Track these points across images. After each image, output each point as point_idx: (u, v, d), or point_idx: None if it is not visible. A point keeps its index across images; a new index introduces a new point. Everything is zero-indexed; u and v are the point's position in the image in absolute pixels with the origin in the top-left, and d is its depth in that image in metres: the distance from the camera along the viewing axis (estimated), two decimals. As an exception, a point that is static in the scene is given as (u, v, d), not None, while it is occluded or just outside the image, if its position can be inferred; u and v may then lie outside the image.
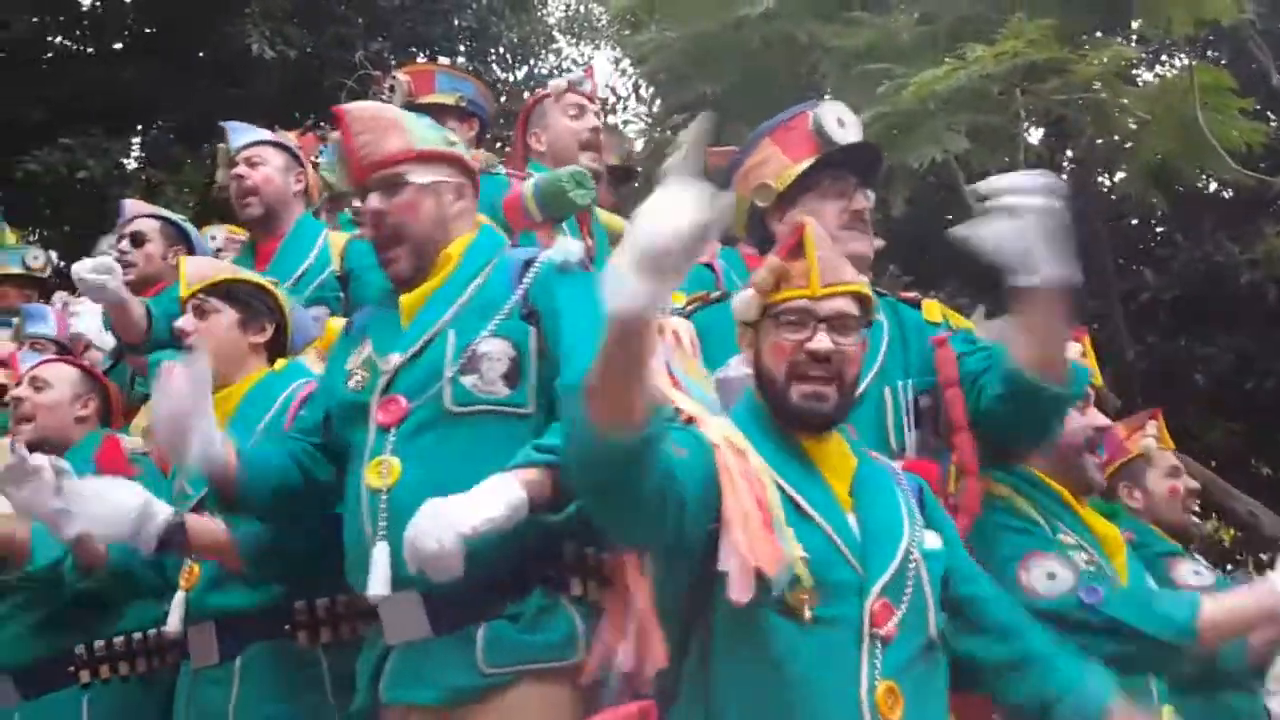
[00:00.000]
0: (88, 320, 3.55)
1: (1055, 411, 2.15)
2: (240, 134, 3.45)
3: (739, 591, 1.60)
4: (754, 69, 4.11)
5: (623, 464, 1.52)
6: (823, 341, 1.80)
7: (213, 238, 4.43)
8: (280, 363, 2.64)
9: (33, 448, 2.85)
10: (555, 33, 10.98)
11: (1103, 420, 2.44)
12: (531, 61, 10.91)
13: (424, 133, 2.22)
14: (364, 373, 2.11)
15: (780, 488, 1.74)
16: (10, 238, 6.28)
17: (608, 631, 1.91)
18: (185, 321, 2.59)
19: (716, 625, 1.71)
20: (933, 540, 1.84)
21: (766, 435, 1.83)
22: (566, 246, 2.14)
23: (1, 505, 2.46)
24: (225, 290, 2.60)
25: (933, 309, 2.37)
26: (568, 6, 11.21)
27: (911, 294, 2.45)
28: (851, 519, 1.78)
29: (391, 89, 3.65)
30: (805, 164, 2.30)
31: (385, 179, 2.13)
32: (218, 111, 9.23)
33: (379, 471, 1.99)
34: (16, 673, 2.77)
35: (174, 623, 2.38)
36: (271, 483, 2.13)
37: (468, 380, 2.00)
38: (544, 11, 11.08)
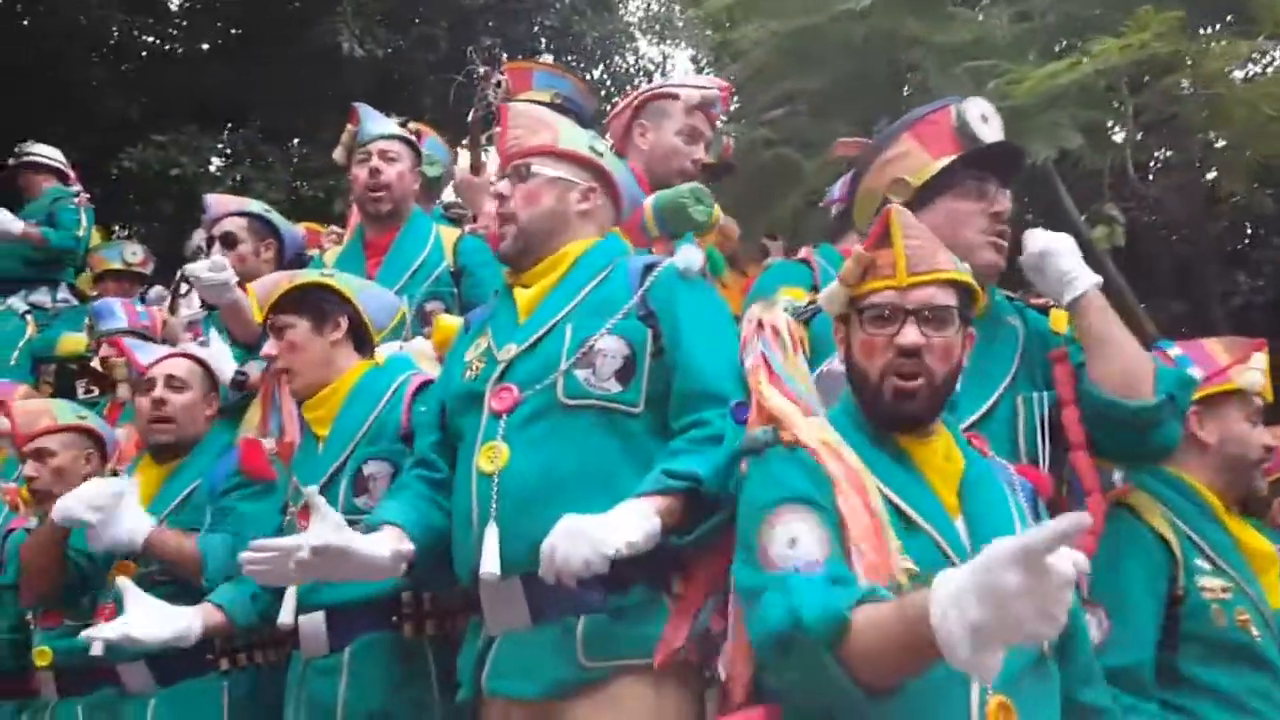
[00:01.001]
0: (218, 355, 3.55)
1: (1147, 425, 2.05)
2: (373, 123, 3.45)
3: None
4: (852, 65, 4.03)
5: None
6: (910, 335, 1.70)
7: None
8: (380, 357, 2.66)
9: (169, 449, 2.96)
10: (635, 31, 10.96)
11: (1271, 439, 2.36)
12: (611, 60, 10.94)
13: (571, 134, 2.29)
14: (480, 363, 2.15)
15: (883, 493, 1.67)
16: (96, 236, 6.44)
17: (672, 625, 1.91)
18: (268, 346, 2.65)
19: None
20: (1081, 561, 1.74)
21: (865, 436, 1.75)
22: (688, 254, 2.13)
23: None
24: (290, 302, 2.61)
25: (1059, 318, 2.26)
26: (648, 6, 11.18)
27: (1041, 300, 2.35)
28: (959, 525, 1.69)
29: (499, 85, 3.65)
30: (946, 161, 2.21)
31: (517, 167, 2.23)
32: (305, 110, 9.51)
33: (489, 456, 2.02)
34: (153, 660, 2.77)
35: (286, 614, 2.39)
36: (437, 543, 2.13)
37: (581, 374, 2.02)
38: (625, 11, 11.08)
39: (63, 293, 6.09)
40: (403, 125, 3.67)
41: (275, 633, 2.72)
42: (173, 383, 2.97)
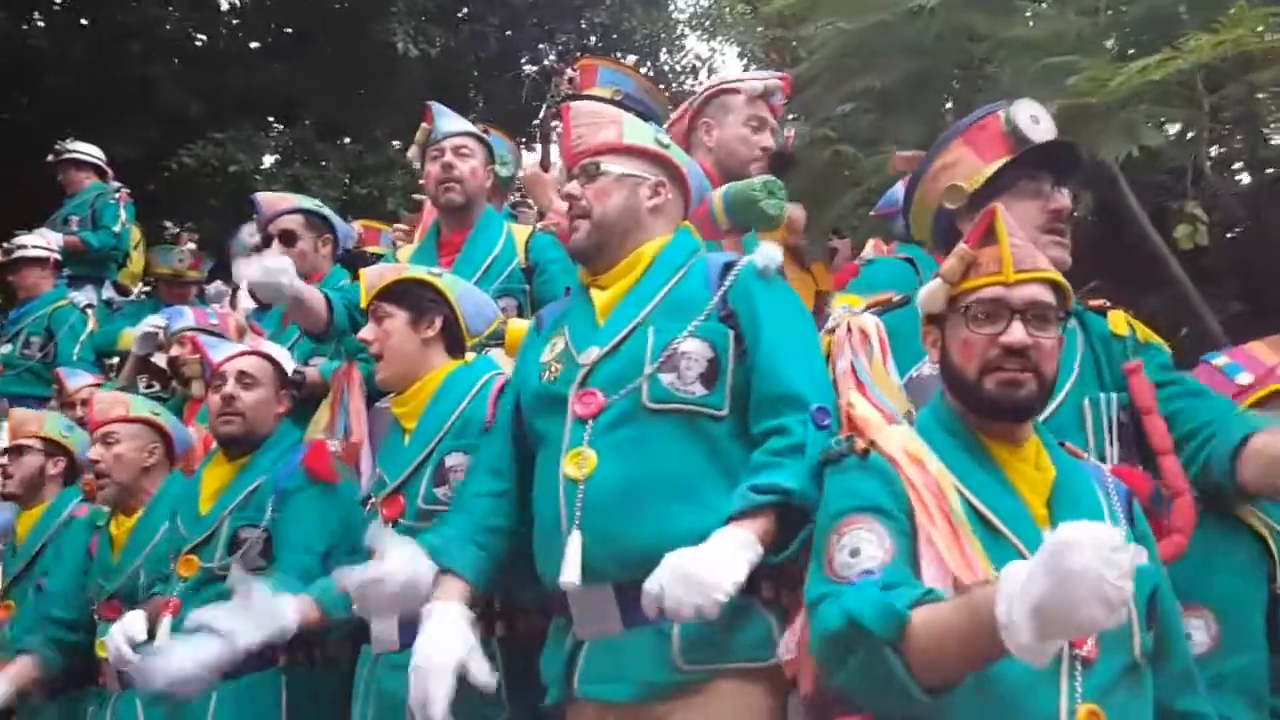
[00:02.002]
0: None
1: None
2: (447, 120, 3.46)
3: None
4: (921, 63, 3.97)
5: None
6: (1017, 333, 1.66)
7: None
8: (469, 355, 2.67)
9: (237, 441, 2.98)
10: (684, 28, 10.95)
11: None
12: (659, 56, 10.92)
13: (635, 128, 2.26)
14: (559, 365, 2.12)
15: (967, 500, 1.63)
16: (136, 233, 6.52)
17: (790, 632, 1.88)
18: (365, 331, 2.66)
19: None
20: (1140, 555, 1.69)
21: (955, 442, 1.71)
22: (768, 253, 2.10)
23: None
24: (393, 292, 2.64)
25: (1119, 320, 2.22)
26: (697, 2, 11.16)
27: (1098, 302, 2.32)
28: (1046, 534, 1.65)
29: (571, 81, 3.65)
30: (999, 163, 2.18)
31: (586, 166, 2.20)
32: (359, 108, 9.60)
33: (576, 462, 1.99)
34: None
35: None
36: (499, 569, 2.17)
37: (666, 378, 1.99)
38: (674, 7, 11.08)
39: (107, 290, 6.20)
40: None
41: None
42: (244, 379, 2.99)
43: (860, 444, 1.71)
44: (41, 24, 9.21)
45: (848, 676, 1.54)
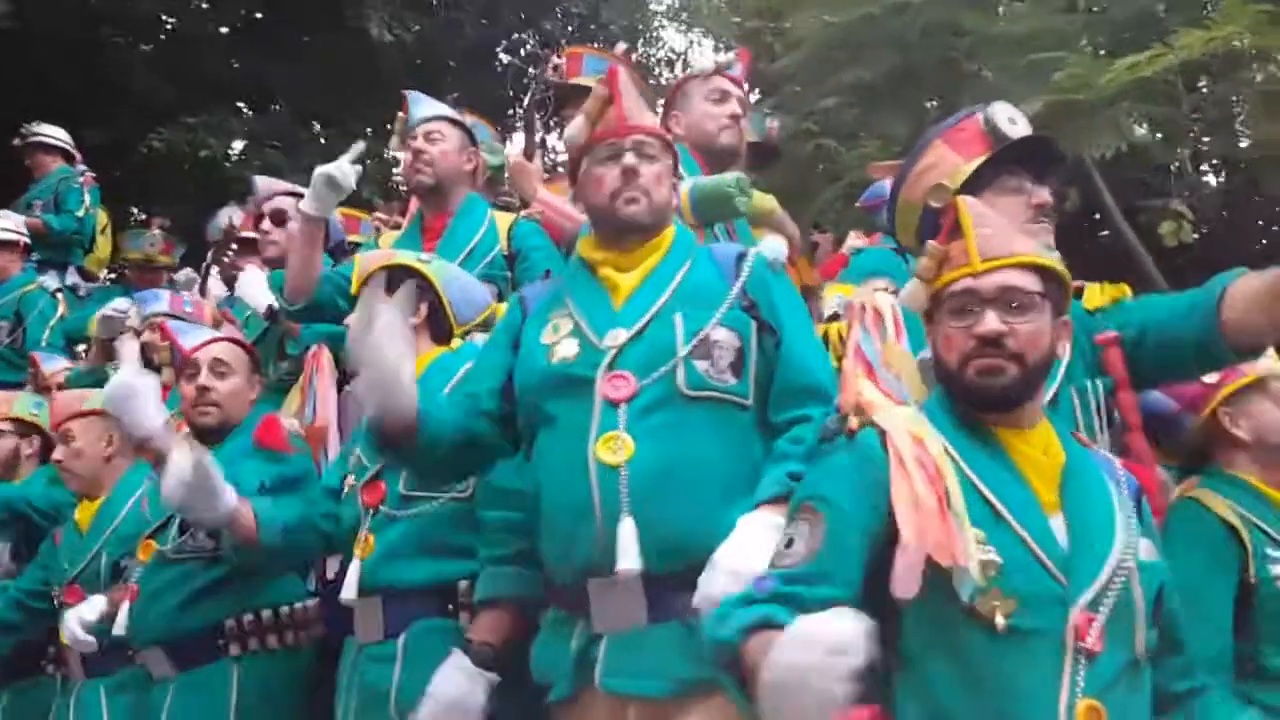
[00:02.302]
0: (251, 283, 3.56)
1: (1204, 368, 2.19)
2: (420, 106, 3.44)
3: (904, 585, 1.52)
4: (905, 58, 3.97)
5: None
6: (990, 323, 1.66)
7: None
8: (455, 342, 2.63)
9: (212, 432, 2.93)
10: (663, 20, 10.92)
11: None
12: (638, 48, 10.87)
13: (654, 118, 2.25)
14: (573, 346, 2.05)
15: (974, 487, 1.63)
16: (103, 217, 6.44)
17: None
18: (351, 317, 2.58)
19: (907, 628, 1.61)
20: (1148, 550, 1.70)
21: (959, 430, 1.70)
22: (775, 246, 2.10)
23: None
24: (383, 280, 2.59)
25: (1093, 294, 2.26)
26: (675, -4, 11.12)
27: (1075, 284, 2.34)
28: (1056, 522, 1.64)
29: (556, 69, 3.62)
30: (979, 160, 2.21)
31: (640, 145, 2.13)
32: (334, 94, 9.49)
33: (612, 447, 1.93)
34: (170, 646, 2.80)
35: (349, 591, 2.36)
36: (451, 436, 2.09)
37: (700, 365, 1.97)
38: (653, 4, 11.04)
39: (71, 276, 6.10)
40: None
41: (292, 615, 2.79)
42: (218, 367, 2.95)
43: (853, 423, 1.71)
44: (9, 4, 9.02)
45: None
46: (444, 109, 3.50)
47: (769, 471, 1.91)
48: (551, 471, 2.03)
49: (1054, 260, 1.75)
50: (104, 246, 6.42)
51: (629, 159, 2.11)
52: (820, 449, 1.80)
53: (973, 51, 3.94)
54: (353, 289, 2.67)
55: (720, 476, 1.93)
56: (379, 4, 8.54)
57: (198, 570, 2.80)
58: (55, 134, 6.40)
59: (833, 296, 2.77)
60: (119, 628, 2.82)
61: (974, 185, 2.16)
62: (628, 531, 1.88)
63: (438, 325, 2.64)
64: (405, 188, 3.56)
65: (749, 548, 1.76)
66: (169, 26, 9.69)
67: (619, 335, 2.02)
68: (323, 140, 9.53)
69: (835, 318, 2.66)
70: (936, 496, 1.57)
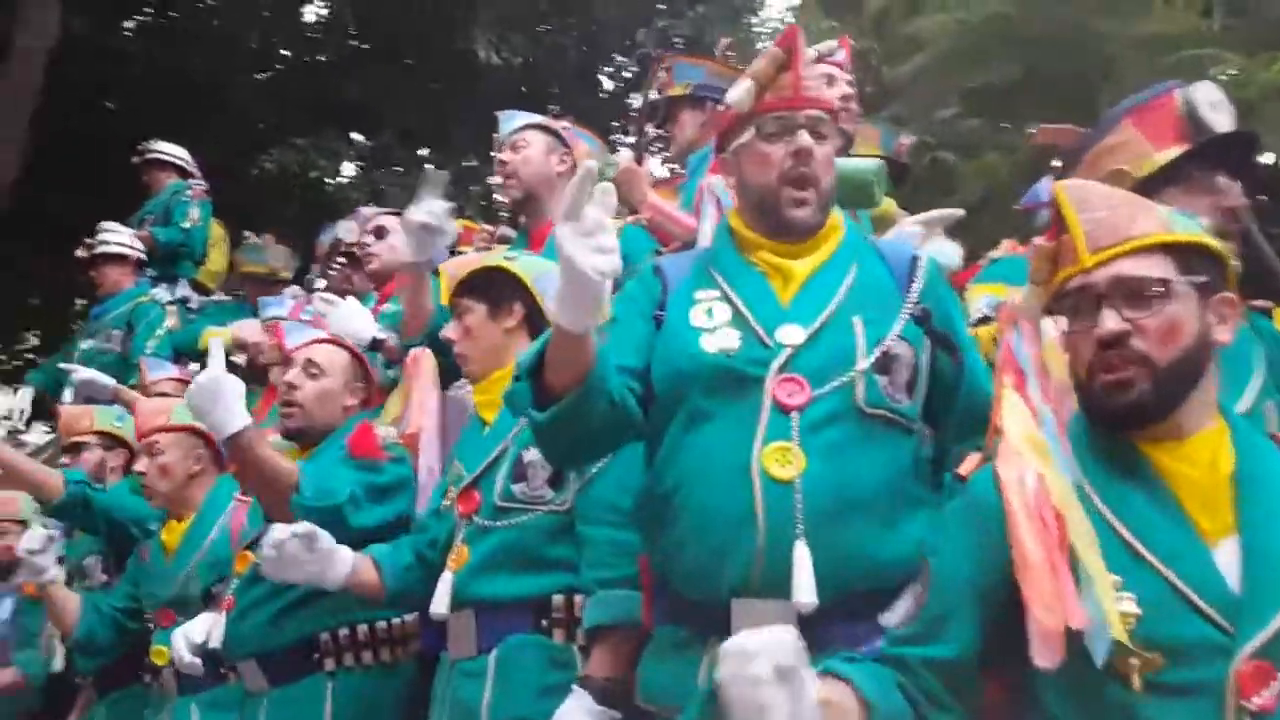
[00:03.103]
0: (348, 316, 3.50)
1: None
2: (508, 121, 3.38)
3: (1042, 654, 1.33)
4: (1040, 59, 3.77)
5: None
6: (1107, 323, 1.43)
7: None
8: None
9: (295, 436, 2.87)
10: (768, 42, 10.81)
11: None
12: (740, 70, 10.76)
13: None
14: (734, 338, 1.82)
15: (1109, 525, 1.40)
16: (218, 230, 6.51)
17: None
18: (449, 329, 2.54)
19: (1044, 685, 1.40)
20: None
21: (1096, 454, 1.48)
22: (949, 251, 1.91)
23: None
24: (471, 285, 2.51)
25: None
26: (781, 17, 11.03)
27: (1260, 303, 2.09)
28: (1226, 551, 1.38)
29: (667, 69, 3.53)
30: (1173, 152, 1.98)
31: (816, 122, 1.89)
32: (439, 116, 9.62)
33: (781, 459, 1.72)
34: (264, 659, 2.74)
35: (440, 605, 2.26)
36: (611, 400, 1.79)
37: (881, 380, 1.78)
38: (757, 19, 10.96)
39: (182, 288, 6.16)
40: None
41: (389, 630, 2.69)
42: (310, 368, 2.86)
43: (965, 466, 1.53)
44: (129, 32, 9.38)
45: None
46: (530, 117, 3.41)
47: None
48: (699, 475, 1.80)
49: (1190, 233, 1.49)
50: (217, 259, 6.48)
51: (803, 138, 1.86)
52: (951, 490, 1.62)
53: (1111, 53, 3.71)
54: (443, 299, 2.56)
55: (886, 504, 1.74)
56: (487, 27, 8.61)
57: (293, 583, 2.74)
58: (171, 150, 6.51)
59: (980, 297, 2.56)
60: (214, 641, 2.78)
61: (1163, 177, 1.96)
62: (803, 559, 1.67)
63: (535, 326, 2.51)
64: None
65: None
66: (283, 54, 9.97)
67: (793, 334, 1.79)
68: (428, 164, 9.64)
69: (985, 320, 2.43)
70: (1046, 549, 1.37)
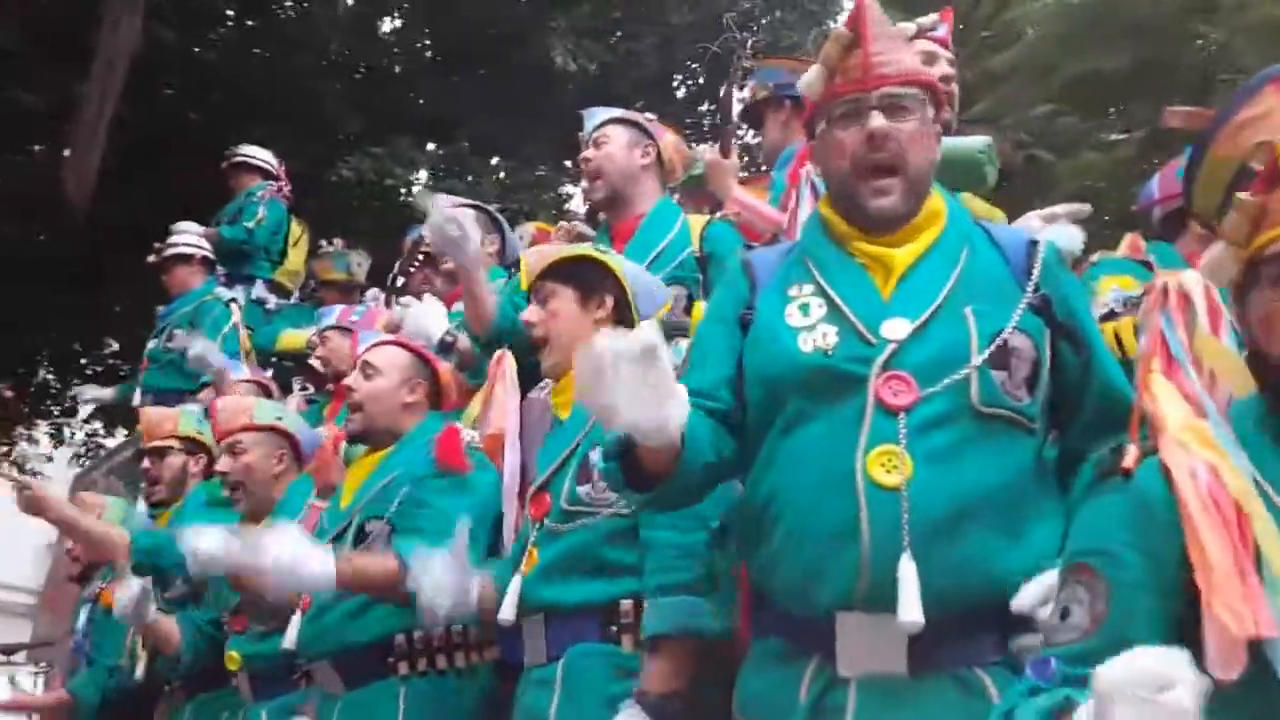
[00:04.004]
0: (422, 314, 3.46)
1: None
2: (591, 118, 3.31)
3: (1221, 666, 1.19)
4: (1150, 45, 3.57)
5: None
6: None
7: (521, 237, 4.40)
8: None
9: (359, 438, 2.87)
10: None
11: None
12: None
13: (913, 61, 1.84)
14: (832, 334, 1.70)
15: None
16: (297, 229, 6.52)
17: None
18: (530, 312, 2.43)
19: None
20: None
21: (1268, 437, 1.35)
22: (1070, 233, 1.76)
23: None
24: (562, 271, 2.44)
25: None
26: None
27: None
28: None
29: (756, 54, 3.45)
30: None
31: (898, 98, 1.74)
32: (513, 125, 9.64)
33: (887, 464, 1.60)
34: (338, 660, 2.69)
35: (508, 610, 2.20)
36: (705, 456, 1.72)
37: (998, 376, 1.64)
38: (834, 24, 10.81)
39: (258, 289, 6.18)
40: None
41: (465, 636, 2.60)
42: (366, 369, 2.85)
43: (1129, 458, 1.36)
44: (213, 40, 9.54)
45: None
46: (612, 112, 3.34)
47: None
48: (798, 482, 1.68)
49: None
50: (296, 259, 6.47)
51: (876, 120, 1.72)
52: (1094, 488, 1.46)
53: (1229, 40, 3.49)
54: (522, 284, 2.47)
55: (1006, 511, 1.61)
56: (564, 34, 8.61)
57: None
58: (257, 154, 6.54)
59: (1109, 290, 2.41)
60: (288, 641, 2.74)
61: None
62: (909, 574, 1.55)
63: (621, 321, 2.41)
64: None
65: None
66: (361, 65, 10.07)
67: (898, 328, 1.66)
68: (501, 174, 9.67)
69: (1112, 315, 2.28)
70: (1230, 549, 1.23)
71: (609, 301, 2.39)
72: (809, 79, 1.81)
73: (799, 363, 1.71)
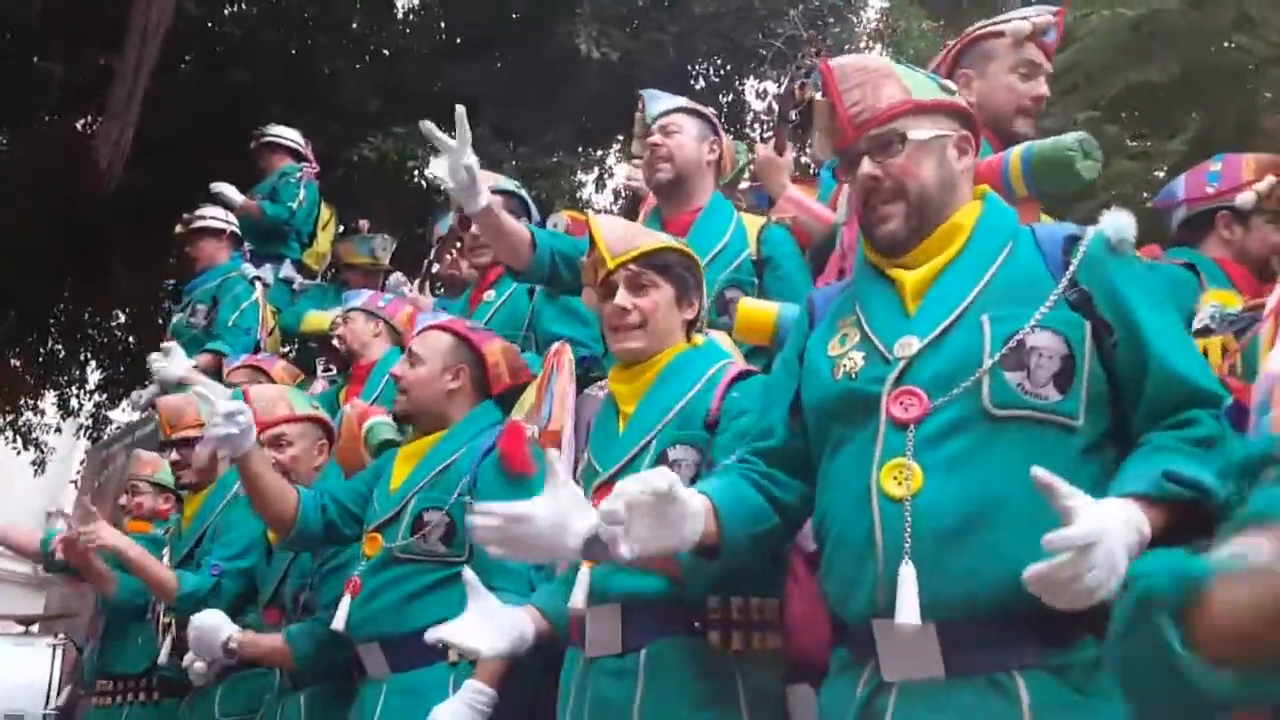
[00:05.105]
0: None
1: None
2: (657, 102, 3.31)
3: None
4: (1201, 59, 3.56)
5: None
6: None
7: (555, 225, 4.39)
8: (698, 338, 2.42)
9: (407, 419, 2.91)
10: (869, 41, 10.60)
11: None
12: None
13: (920, 80, 1.91)
14: (858, 358, 1.79)
15: None
16: (326, 212, 6.52)
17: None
18: (623, 298, 2.34)
19: None
20: None
21: None
22: (1120, 222, 1.75)
23: None
24: (658, 262, 2.36)
25: None
26: (881, 15, 10.77)
27: None
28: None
29: (818, 53, 3.44)
30: None
31: (879, 138, 1.83)
32: (535, 110, 9.61)
33: (897, 477, 1.67)
34: (386, 644, 2.71)
35: (579, 598, 2.18)
36: (750, 529, 1.87)
37: (1013, 377, 1.65)
38: (859, 21, 10.75)
39: (286, 269, 6.18)
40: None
41: None
42: (412, 356, 2.90)
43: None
44: (233, 15, 9.50)
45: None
46: (679, 100, 3.34)
47: (1136, 464, 1.57)
48: (835, 502, 1.79)
49: None
50: (324, 242, 6.49)
51: (864, 167, 1.84)
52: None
53: (1269, 56, 3.48)
54: (609, 261, 2.36)
55: (1029, 515, 1.55)
56: (588, 20, 8.57)
57: (425, 570, 2.72)
58: (286, 134, 6.52)
59: (1207, 306, 2.35)
60: (338, 622, 2.75)
61: None
62: (907, 580, 1.60)
63: (698, 325, 2.44)
64: (647, 184, 3.36)
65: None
66: (381, 44, 10.02)
67: (910, 344, 1.73)
68: (516, 160, 9.63)
69: (1207, 331, 2.23)
70: None
71: (696, 304, 2.41)
72: (817, 146, 1.99)
73: (831, 391, 1.82)
